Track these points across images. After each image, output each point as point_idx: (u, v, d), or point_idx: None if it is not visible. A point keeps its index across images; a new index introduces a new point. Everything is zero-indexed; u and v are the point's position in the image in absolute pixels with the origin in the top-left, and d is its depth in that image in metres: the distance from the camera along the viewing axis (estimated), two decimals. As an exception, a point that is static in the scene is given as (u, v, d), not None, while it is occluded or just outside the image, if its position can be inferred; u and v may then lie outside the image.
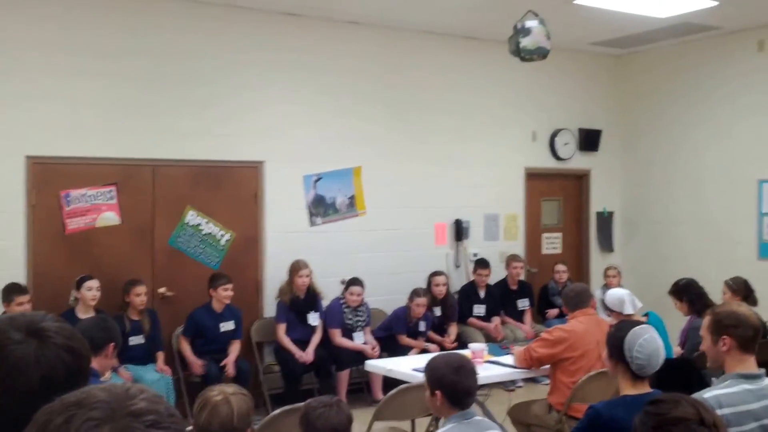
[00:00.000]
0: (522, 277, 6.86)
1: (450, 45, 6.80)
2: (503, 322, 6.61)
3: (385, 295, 6.31)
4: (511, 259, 6.79)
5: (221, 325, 5.41)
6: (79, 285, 4.97)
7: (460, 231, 6.86)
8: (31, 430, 0.79)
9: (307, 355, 5.56)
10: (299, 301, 5.68)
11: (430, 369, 2.64)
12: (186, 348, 5.37)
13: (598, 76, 7.75)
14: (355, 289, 5.78)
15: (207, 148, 5.70)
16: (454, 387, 2.56)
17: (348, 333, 5.81)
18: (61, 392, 1.05)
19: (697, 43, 7.11)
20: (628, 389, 2.62)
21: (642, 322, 2.84)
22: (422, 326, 6.06)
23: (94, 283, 4.96)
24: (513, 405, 4.33)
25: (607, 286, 6.61)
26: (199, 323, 5.38)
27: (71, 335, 1.16)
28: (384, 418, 3.67)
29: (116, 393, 0.80)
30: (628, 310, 4.27)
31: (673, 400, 1.70)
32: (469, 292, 6.57)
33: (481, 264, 6.57)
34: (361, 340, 5.84)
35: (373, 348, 5.74)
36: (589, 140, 7.63)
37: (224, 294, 5.37)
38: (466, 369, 2.60)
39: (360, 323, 5.87)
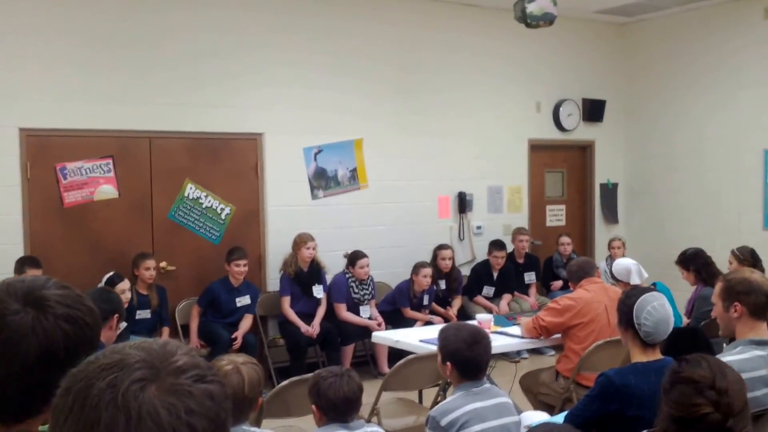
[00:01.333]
0: (527, 250, 6.79)
1: (452, 13, 6.68)
2: (515, 298, 6.56)
3: (389, 269, 6.28)
4: (517, 232, 6.72)
5: (238, 299, 5.43)
6: None
7: (463, 203, 6.81)
8: (67, 397, 0.74)
9: (313, 329, 5.55)
10: (303, 274, 5.66)
11: (443, 340, 2.62)
12: (194, 321, 5.41)
13: (602, 45, 7.63)
14: (364, 261, 5.75)
15: (204, 119, 5.61)
16: (466, 362, 2.55)
17: (355, 307, 5.79)
18: (62, 364, 1.00)
19: (703, 10, 6.99)
20: (639, 356, 2.60)
21: (651, 290, 2.81)
22: (426, 300, 6.04)
23: (125, 285, 4.64)
24: (524, 373, 4.34)
25: (611, 258, 6.58)
26: (215, 296, 5.41)
27: (74, 303, 1.11)
28: (391, 388, 3.67)
29: (154, 350, 0.77)
30: (635, 279, 4.25)
31: (696, 361, 1.69)
32: (481, 273, 6.50)
33: (497, 246, 6.44)
34: (367, 313, 5.82)
35: (379, 323, 5.72)
36: (594, 111, 7.54)
37: (236, 270, 5.37)
38: (481, 344, 2.59)
39: (366, 297, 5.86)
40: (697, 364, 1.69)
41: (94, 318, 1.15)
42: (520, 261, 6.71)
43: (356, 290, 5.80)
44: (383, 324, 5.74)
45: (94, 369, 0.75)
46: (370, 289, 5.88)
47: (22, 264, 4.68)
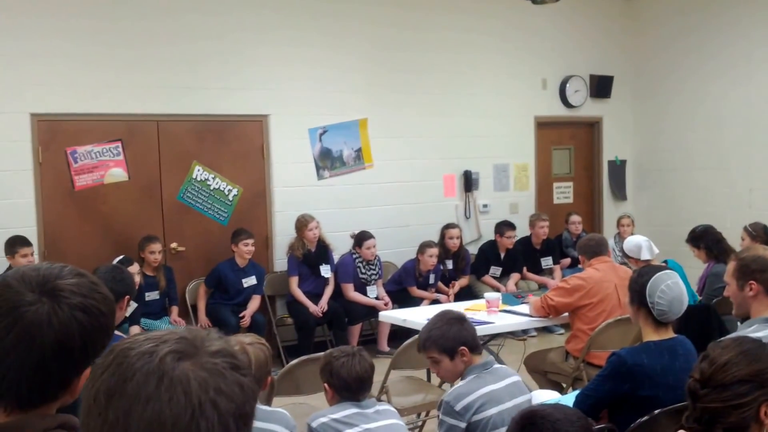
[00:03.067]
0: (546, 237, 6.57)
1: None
2: (523, 278, 6.49)
3: (395, 248, 6.28)
4: (536, 218, 6.54)
5: (244, 280, 5.44)
6: None
7: (469, 182, 6.77)
8: (109, 356, 0.79)
9: (320, 308, 5.57)
10: (311, 255, 5.67)
11: (439, 338, 2.50)
12: (201, 301, 5.44)
13: (609, 21, 7.52)
14: (370, 242, 5.74)
15: (210, 102, 5.59)
16: (473, 337, 2.52)
17: (362, 287, 5.80)
18: (78, 354, 1.04)
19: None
20: (651, 335, 2.57)
21: (665, 268, 2.77)
22: (432, 279, 6.04)
23: (135, 269, 4.63)
24: (528, 354, 4.31)
25: (620, 236, 6.54)
26: (222, 276, 5.43)
27: (89, 292, 1.10)
28: (400, 367, 3.67)
29: (194, 333, 0.82)
30: (645, 255, 4.23)
31: (725, 342, 1.70)
32: (488, 253, 6.42)
33: (509, 226, 6.32)
34: (374, 293, 5.83)
35: (386, 303, 5.73)
36: (601, 87, 7.45)
37: (245, 249, 5.39)
38: (466, 319, 2.60)
39: (373, 277, 5.86)
40: (729, 341, 1.71)
41: (109, 306, 1.14)
42: (538, 247, 6.58)
43: (363, 271, 5.80)
44: (390, 304, 5.75)
45: (139, 339, 0.80)
46: (377, 269, 5.88)
47: (12, 244, 4.64)
